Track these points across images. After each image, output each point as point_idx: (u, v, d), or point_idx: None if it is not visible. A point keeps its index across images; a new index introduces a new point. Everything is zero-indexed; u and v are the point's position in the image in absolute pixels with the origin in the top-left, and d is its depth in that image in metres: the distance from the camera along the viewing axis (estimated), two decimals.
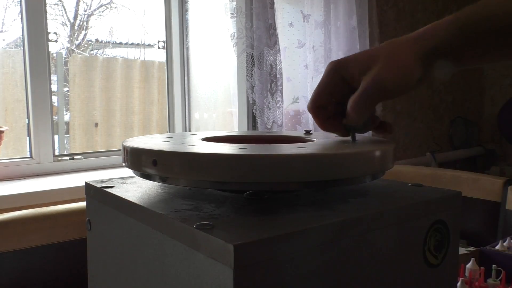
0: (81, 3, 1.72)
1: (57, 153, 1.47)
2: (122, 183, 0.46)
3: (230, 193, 0.41)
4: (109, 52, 1.77)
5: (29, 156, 1.41)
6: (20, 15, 1.38)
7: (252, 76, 1.48)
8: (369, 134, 0.57)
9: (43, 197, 1.17)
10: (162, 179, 0.39)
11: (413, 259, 0.38)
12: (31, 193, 1.16)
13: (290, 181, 0.35)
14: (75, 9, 1.73)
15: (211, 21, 1.73)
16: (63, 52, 1.61)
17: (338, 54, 1.63)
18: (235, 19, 1.48)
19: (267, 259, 0.29)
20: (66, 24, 1.73)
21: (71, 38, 1.70)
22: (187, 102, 1.82)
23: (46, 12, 1.41)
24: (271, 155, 0.35)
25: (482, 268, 0.86)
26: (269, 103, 1.49)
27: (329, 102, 0.46)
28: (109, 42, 1.76)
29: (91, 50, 1.74)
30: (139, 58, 1.83)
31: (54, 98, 1.53)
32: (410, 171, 1.52)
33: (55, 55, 1.56)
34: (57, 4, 1.64)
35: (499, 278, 0.86)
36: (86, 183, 0.48)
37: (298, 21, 1.62)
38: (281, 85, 1.52)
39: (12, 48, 1.48)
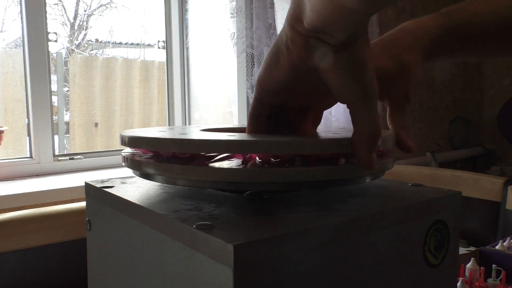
0: (81, 3, 1.72)
1: (57, 153, 1.47)
2: (122, 183, 0.46)
3: (230, 193, 0.41)
4: (109, 52, 1.77)
5: (29, 156, 1.41)
6: (20, 15, 1.38)
7: (252, 76, 1.48)
8: None
9: (43, 197, 1.17)
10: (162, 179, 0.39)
11: (413, 259, 0.38)
12: (31, 193, 1.16)
13: (289, 181, 0.35)
14: (75, 9, 1.73)
15: (211, 21, 1.73)
16: (63, 52, 1.61)
17: None
18: (235, 19, 1.48)
19: (267, 259, 0.29)
20: (66, 24, 1.73)
21: (71, 38, 1.70)
22: (187, 102, 1.81)
23: (46, 12, 1.41)
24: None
25: (482, 268, 0.86)
26: None
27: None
28: (109, 42, 1.76)
29: (91, 50, 1.74)
30: (139, 58, 1.83)
31: (54, 98, 1.53)
32: (410, 171, 1.52)
33: (55, 55, 1.56)
34: (57, 4, 1.64)
35: (499, 278, 0.86)
36: (86, 183, 0.47)
37: None
38: None
39: (12, 48, 1.48)
